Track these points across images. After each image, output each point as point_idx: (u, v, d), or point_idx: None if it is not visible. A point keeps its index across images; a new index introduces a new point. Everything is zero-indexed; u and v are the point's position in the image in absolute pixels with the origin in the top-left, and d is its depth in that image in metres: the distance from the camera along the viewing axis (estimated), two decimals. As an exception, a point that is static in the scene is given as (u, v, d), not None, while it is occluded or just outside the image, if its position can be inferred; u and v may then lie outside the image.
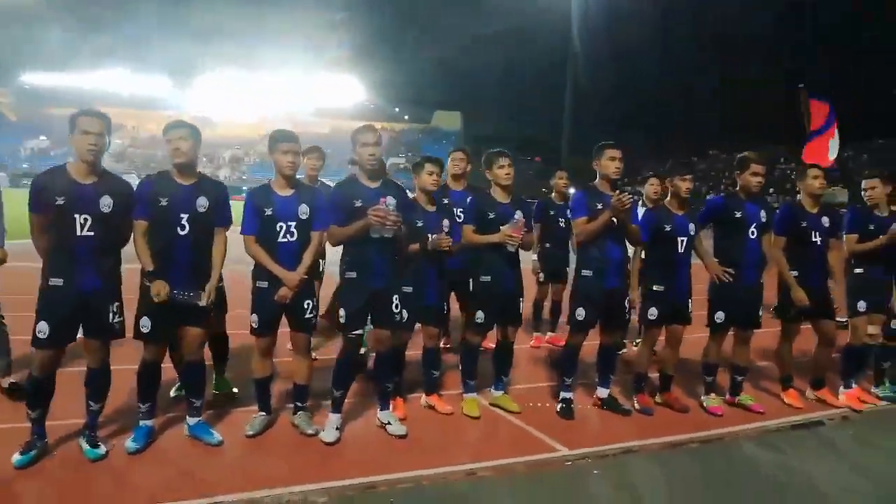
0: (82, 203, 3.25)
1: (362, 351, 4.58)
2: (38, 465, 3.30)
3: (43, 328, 3.24)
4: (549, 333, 6.70)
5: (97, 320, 3.35)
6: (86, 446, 3.44)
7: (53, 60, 74.43)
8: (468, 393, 4.52)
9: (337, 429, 3.87)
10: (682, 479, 3.67)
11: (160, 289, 3.44)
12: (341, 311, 3.86)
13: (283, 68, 79.89)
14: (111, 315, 3.40)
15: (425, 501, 3.23)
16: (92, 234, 3.27)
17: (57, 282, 3.25)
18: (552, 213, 6.34)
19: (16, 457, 3.27)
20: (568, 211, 6.38)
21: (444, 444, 3.96)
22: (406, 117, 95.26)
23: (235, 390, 4.48)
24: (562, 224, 6.28)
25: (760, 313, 4.76)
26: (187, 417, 3.79)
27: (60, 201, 3.22)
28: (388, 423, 4.02)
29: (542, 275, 6.48)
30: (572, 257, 6.52)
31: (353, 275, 3.84)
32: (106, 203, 3.31)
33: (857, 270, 5.01)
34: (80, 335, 3.41)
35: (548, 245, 6.38)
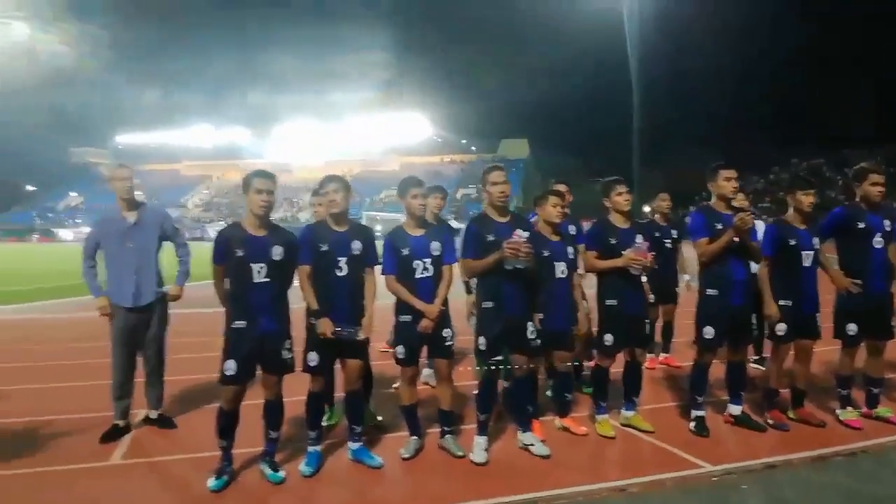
0: (258, 253, 3.67)
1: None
2: (230, 489, 3.69)
3: (230, 366, 3.64)
4: (663, 354, 6.75)
5: (274, 358, 3.74)
6: (268, 471, 3.80)
7: (144, 120, 79.97)
8: (601, 414, 4.67)
9: (485, 450, 4.11)
10: (832, 494, 3.68)
11: (326, 327, 3.81)
12: (480, 339, 4.13)
13: (351, 111, 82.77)
14: (284, 352, 3.78)
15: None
16: (267, 280, 3.68)
17: (241, 324, 3.66)
18: (657, 234, 6.43)
19: (211, 482, 3.67)
20: (672, 231, 6.51)
21: (588, 463, 4.13)
22: (473, 148, 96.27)
23: (380, 418, 4.79)
24: (668, 245, 6.38)
25: (893, 323, 4.71)
26: (349, 443, 4.12)
27: (240, 252, 3.65)
28: (532, 445, 4.22)
29: (652, 296, 6.55)
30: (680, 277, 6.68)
31: (490, 304, 4.11)
32: (277, 252, 3.72)
33: None
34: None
35: (655, 266, 6.46)
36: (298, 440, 4.21)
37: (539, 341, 4.22)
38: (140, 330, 4.68)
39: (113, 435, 4.54)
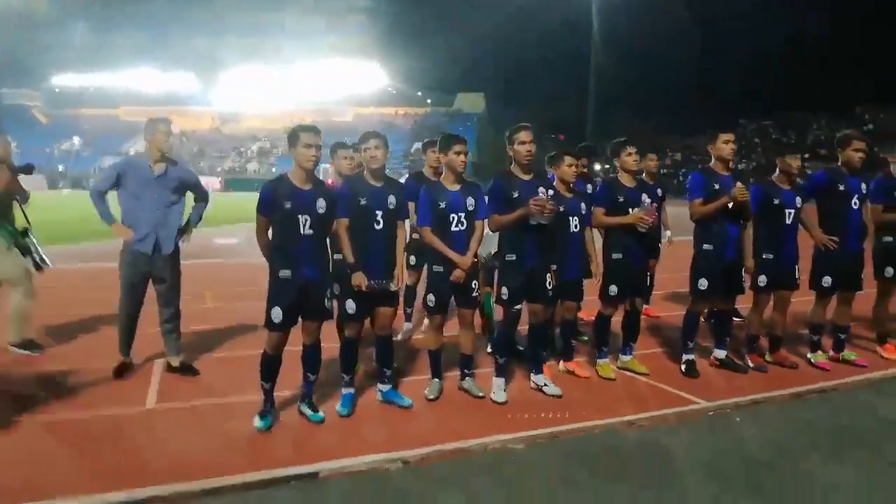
0: (305, 206, 3.85)
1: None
2: (275, 428, 3.95)
3: (277, 313, 3.85)
4: (644, 305, 7.22)
5: (317, 305, 3.96)
6: (309, 412, 4.07)
7: (80, 62, 75.80)
8: (602, 358, 5.09)
9: (504, 390, 4.47)
10: (812, 425, 4.19)
11: (360, 280, 4.04)
12: (503, 289, 4.44)
13: (304, 59, 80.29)
14: (327, 301, 4.01)
15: (606, 447, 3.80)
16: (311, 231, 3.87)
17: (286, 274, 3.86)
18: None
19: (257, 422, 3.92)
20: (658, 190, 6.89)
21: (596, 402, 4.53)
22: (428, 101, 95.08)
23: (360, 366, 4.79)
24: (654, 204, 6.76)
25: (863, 277, 5.25)
26: (379, 385, 4.42)
27: (287, 205, 3.82)
28: (545, 385, 4.61)
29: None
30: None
31: (514, 257, 4.40)
32: (321, 205, 3.90)
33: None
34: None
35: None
36: (326, 384, 4.47)
37: (551, 292, 4.57)
38: (151, 277, 4.85)
39: (120, 371, 4.85)
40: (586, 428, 4.02)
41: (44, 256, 5.47)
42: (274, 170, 73.90)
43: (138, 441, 3.82)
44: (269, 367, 3.99)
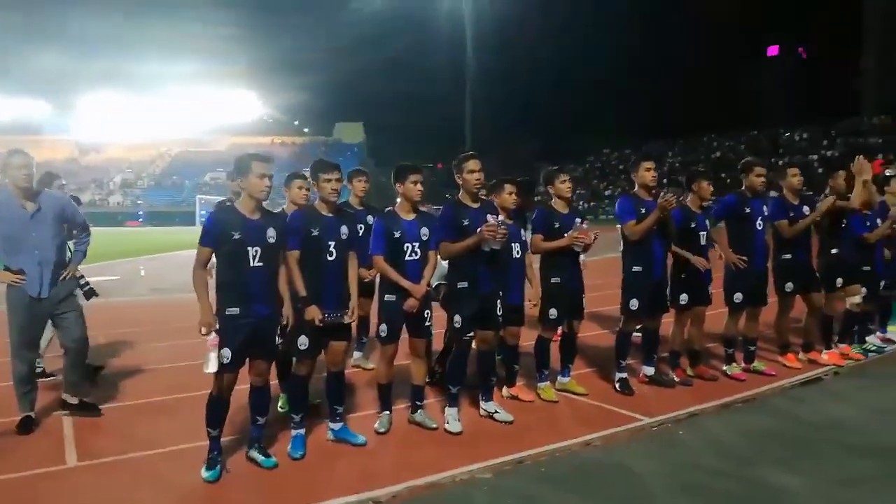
0: (255, 236, 3.62)
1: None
2: (224, 478, 3.63)
3: (226, 354, 3.57)
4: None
5: (268, 344, 3.73)
6: (260, 457, 3.79)
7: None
8: (543, 381, 5.16)
9: (458, 420, 4.40)
10: (749, 431, 4.46)
11: (315, 314, 3.86)
12: (456, 317, 4.41)
13: (173, 86, 76.60)
14: (277, 338, 3.78)
15: (572, 469, 3.84)
16: (261, 264, 3.65)
17: (234, 311, 3.60)
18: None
19: (204, 473, 3.59)
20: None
21: (547, 425, 4.57)
22: (306, 130, 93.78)
23: (319, 401, 4.66)
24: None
25: (767, 292, 5.73)
26: (329, 423, 4.20)
27: (236, 235, 3.58)
28: (496, 412, 4.60)
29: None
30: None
31: (465, 284, 4.39)
32: (271, 234, 3.70)
33: (833, 251, 6.08)
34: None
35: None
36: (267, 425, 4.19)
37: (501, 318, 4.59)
38: (44, 321, 4.56)
39: (27, 426, 4.40)
40: (548, 451, 4.04)
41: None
42: (139, 202, 69.65)
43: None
44: (217, 412, 3.69)
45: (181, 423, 4.51)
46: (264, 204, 3.80)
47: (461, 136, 64.40)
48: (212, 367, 3.52)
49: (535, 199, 5.88)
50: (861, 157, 6.08)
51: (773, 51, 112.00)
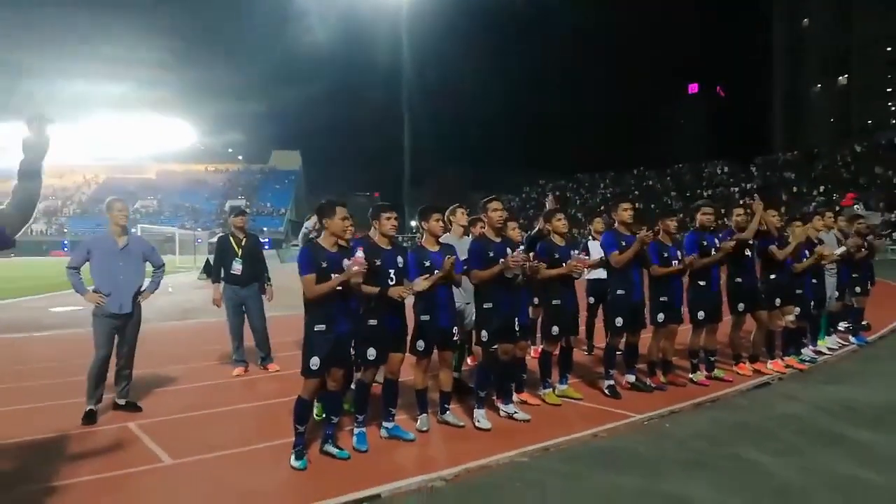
0: (337, 267, 4.40)
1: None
2: (311, 467, 4.34)
3: (315, 362, 4.32)
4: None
5: (348, 354, 4.50)
6: (335, 450, 4.51)
7: None
8: (546, 388, 6.06)
9: (486, 419, 5.23)
10: (725, 423, 5.48)
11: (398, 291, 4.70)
12: (483, 333, 5.27)
13: (100, 111, 74.34)
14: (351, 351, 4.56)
15: (592, 451, 4.74)
16: (340, 288, 4.42)
17: (321, 327, 4.36)
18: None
19: (295, 463, 4.30)
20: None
21: (558, 422, 5.45)
22: (240, 157, 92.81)
23: (347, 406, 5.27)
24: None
25: (722, 311, 6.86)
26: (383, 423, 4.96)
27: (324, 265, 4.35)
28: (515, 413, 5.45)
29: (535, 299, 8.14)
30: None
31: (491, 305, 5.26)
32: (346, 264, 4.47)
33: (772, 276, 7.29)
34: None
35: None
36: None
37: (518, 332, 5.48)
38: (118, 332, 5.54)
39: (90, 418, 5.37)
40: (565, 441, 4.92)
41: None
42: (65, 230, 67.09)
43: (182, 493, 4.01)
44: (305, 411, 4.41)
45: (231, 430, 5.21)
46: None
47: (399, 164, 65.45)
48: (355, 277, 4.36)
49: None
50: (757, 197, 7.29)
51: (693, 88, 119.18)
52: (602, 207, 49.65)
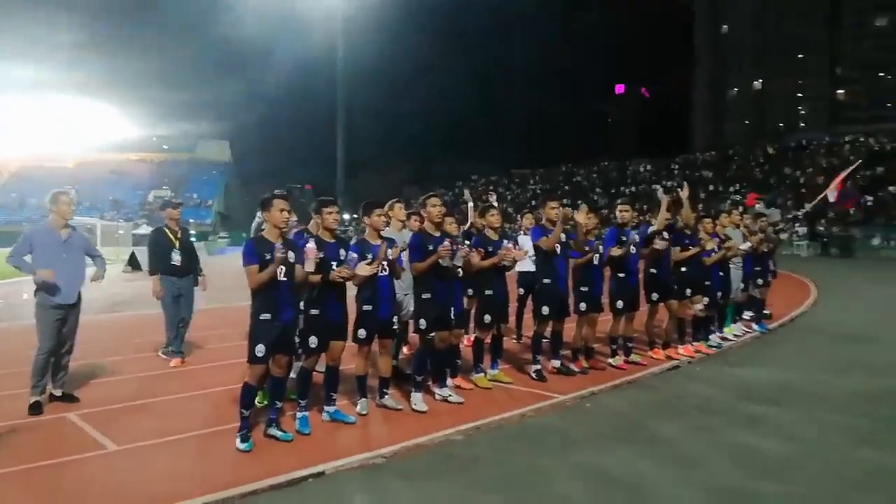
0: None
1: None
2: (257, 449, 4.56)
3: (260, 349, 4.54)
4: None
5: (290, 343, 4.74)
6: (279, 433, 4.75)
7: None
8: (478, 373, 6.45)
9: (423, 402, 5.57)
10: (635, 401, 6.03)
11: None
12: (421, 321, 5.60)
13: (13, 95, 70.19)
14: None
15: (520, 429, 5.16)
16: (285, 278, 4.65)
17: (266, 316, 4.58)
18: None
19: (241, 445, 4.51)
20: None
21: (490, 403, 5.83)
22: (165, 147, 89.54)
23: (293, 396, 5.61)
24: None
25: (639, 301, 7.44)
26: (325, 407, 5.23)
27: (268, 256, 4.56)
28: (450, 396, 5.82)
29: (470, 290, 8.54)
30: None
31: (429, 295, 5.60)
32: (291, 256, 4.70)
33: (683, 268, 7.93)
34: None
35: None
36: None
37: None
38: (63, 322, 5.59)
39: (37, 409, 5.43)
40: (496, 420, 5.32)
41: None
42: (-27, 220, 63.14)
43: (131, 475, 4.17)
44: (250, 397, 4.62)
45: (175, 418, 5.38)
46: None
47: (332, 158, 64.88)
48: (309, 267, 4.66)
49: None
50: (661, 191, 8.03)
51: (620, 89, 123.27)
52: (531, 204, 50.96)
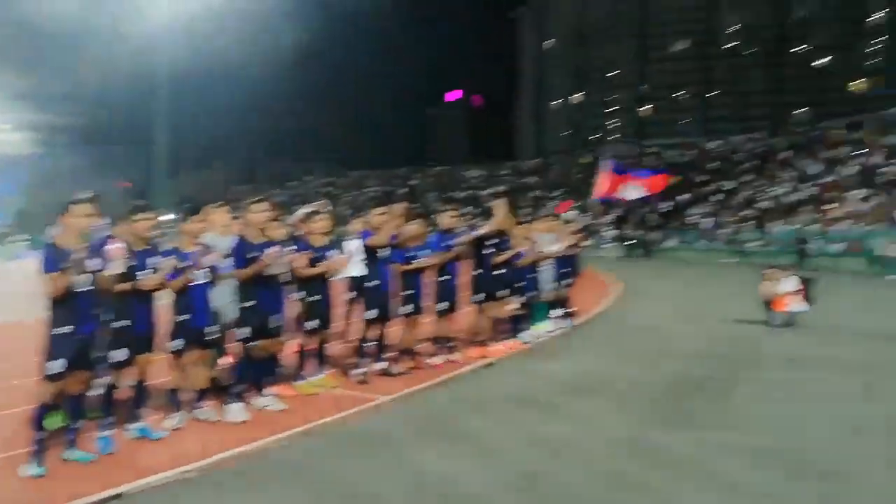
0: (79, 266, 4.33)
1: None
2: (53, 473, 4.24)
3: (54, 366, 4.22)
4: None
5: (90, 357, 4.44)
6: (78, 454, 4.45)
7: None
8: (302, 380, 6.46)
9: (244, 411, 5.48)
10: (452, 399, 6.39)
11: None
12: (242, 330, 5.52)
13: None
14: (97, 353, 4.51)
15: (342, 434, 5.27)
16: (87, 288, 4.36)
17: (65, 329, 4.27)
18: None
19: (33, 470, 4.19)
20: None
21: (314, 409, 5.86)
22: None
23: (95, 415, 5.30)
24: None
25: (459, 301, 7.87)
26: (131, 425, 4.97)
27: (67, 264, 4.25)
28: (269, 405, 5.78)
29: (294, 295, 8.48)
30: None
31: (252, 303, 5.54)
32: (93, 263, 4.42)
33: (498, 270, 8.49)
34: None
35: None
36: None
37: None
38: None
39: None
40: (318, 426, 5.39)
41: None
42: None
43: None
44: (44, 417, 4.28)
45: None
46: None
47: (151, 154, 60.70)
48: (115, 268, 4.45)
49: None
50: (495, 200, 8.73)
51: (455, 96, 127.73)
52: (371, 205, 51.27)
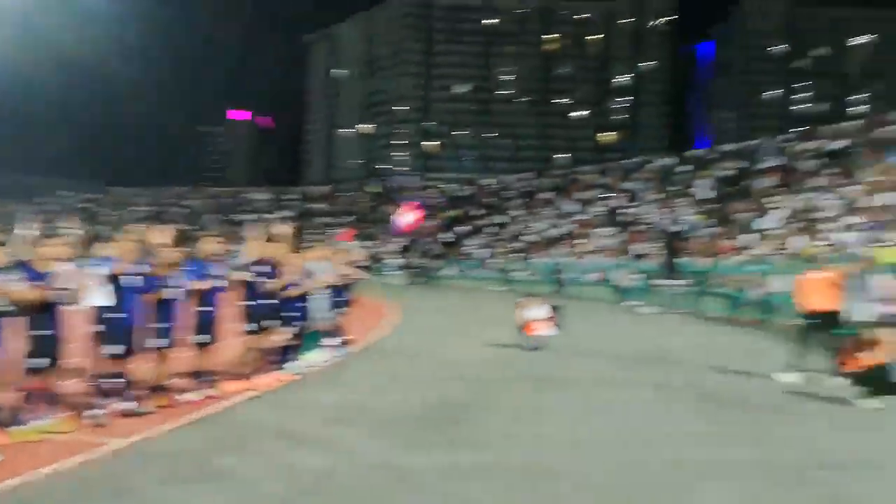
0: None
1: None
2: None
3: None
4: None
5: None
6: None
7: None
8: (21, 425, 5.61)
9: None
10: (207, 438, 5.99)
11: None
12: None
13: None
14: None
15: (70, 484, 4.66)
16: None
17: None
18: None
19: None
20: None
21: (36, 459, 5.07)
22: None
23: None
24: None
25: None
26: None
27: None
28: (-24, 456, 4.93)
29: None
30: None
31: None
32: None
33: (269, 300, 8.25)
34: None
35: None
36: None
37: None
38: None
39: None
40: (41, 478, 4.71)
41: None
42: None
43: None
44: None
45: None
46: None
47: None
48: None
49: None
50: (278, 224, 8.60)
51: (234, 115, 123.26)
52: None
